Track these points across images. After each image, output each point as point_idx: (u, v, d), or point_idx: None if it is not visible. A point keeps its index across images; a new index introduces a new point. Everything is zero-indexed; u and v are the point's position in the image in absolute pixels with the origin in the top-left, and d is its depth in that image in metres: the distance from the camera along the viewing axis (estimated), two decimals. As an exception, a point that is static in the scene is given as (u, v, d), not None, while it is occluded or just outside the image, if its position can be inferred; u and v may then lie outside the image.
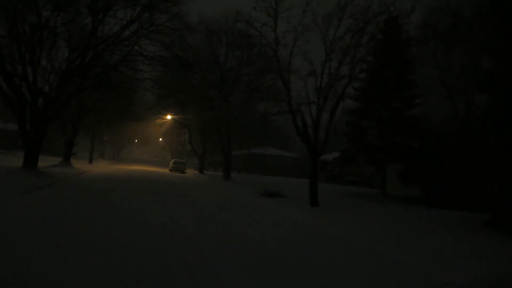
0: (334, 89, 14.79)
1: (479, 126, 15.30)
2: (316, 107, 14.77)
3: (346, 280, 5.18)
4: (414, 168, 17.91)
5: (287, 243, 7.24)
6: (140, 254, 5.42)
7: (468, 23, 20.11)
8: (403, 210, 14.80)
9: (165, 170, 39.91)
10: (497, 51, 12.92)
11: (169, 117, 38.59)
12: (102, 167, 34.72)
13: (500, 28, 12.24)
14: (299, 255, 6.34)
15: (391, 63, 19.36)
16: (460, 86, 22.52)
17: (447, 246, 8.29)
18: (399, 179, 18.91)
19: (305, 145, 15.37)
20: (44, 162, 21.99)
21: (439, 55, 22.42)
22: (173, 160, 43.86)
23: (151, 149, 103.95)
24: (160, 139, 70.22)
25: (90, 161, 40.20)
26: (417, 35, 20.11)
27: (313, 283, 4.91)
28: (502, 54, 12.27)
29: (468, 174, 15.46)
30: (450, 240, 9.04)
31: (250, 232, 8.16)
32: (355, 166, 30.07)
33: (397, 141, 19.64)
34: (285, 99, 16.16)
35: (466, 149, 15.71)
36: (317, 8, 14.56)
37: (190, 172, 39.05)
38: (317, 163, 15.09)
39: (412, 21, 17.07)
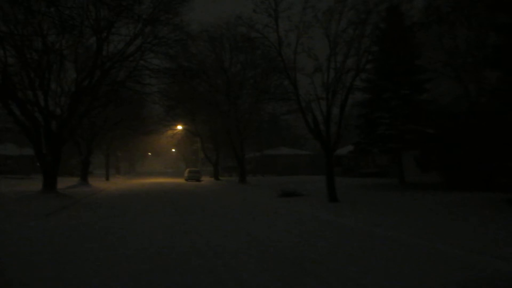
0: (342, 83, 14.72)
1: (491, 105, 15.05)
2: (325, 102, 14.71)
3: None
4: (431, 154, 17.68)
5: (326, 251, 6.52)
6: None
7: (471, 0, 19.79)
8: (427, 197, 14.40)
9: (181, 180, 40.14)
10: (502, 26, 12.72)
11: (179, 127, 38.87)
12: (119, 183, 35.11)
13: (502, 3, 12.07)
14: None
15: (397, 50, 19.18)
16: (468, 66, 22.15)
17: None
18: (417, 166, 18.70)
19: (318, 142, 15.30)
20: (62, 183, 22.35)
21: (444, 37, 22.11)
22: (188, 169, 44.10)
23: (164, 160, 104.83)
24: (173, 150, 70.67)
25: (107, 178, 40.66)
26: (420, 19, 19.89)
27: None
28: (508, 28, 12.08)
29: (485, 154, 15.20)
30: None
31: (276, 238, 8.12)
32: (369, 157, 29.88)
33: (410, 128, 19.43)
34: (293, 98, 16.13)
35: (480, 129, 15.45)
36: (317, 4, 14.54)
37: (206, 180, 39.21)
38: (332, 158, 15.00)
39: (415, 5, 16.87)
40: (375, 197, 15.55)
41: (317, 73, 14.95)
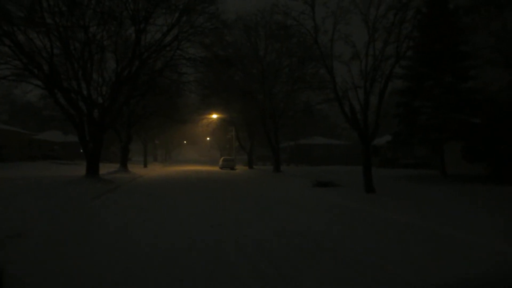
0: (381, 71, 14.23)
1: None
2: (363, 91, 14.30)
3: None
4: (478, 145, 16.79)
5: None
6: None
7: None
8: (476, 190, 13.58)
9: (216, 168, 40.79)
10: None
11: (214, 116, 39.34)
12: (156, 170, 36.18)
13: None
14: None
15: (440, 36, 18.28)
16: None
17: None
18: (463, 157, 17.84)
19: (356, 131, 14.94)
20: (103, 169, 23.29)
21: (492, 20, 20.76)
22: (222, 158, 44.70)
23: (199, 148, 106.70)
24: (208, 138, 71.83)
25: (145, 165, 41.99)
26: (466, 2, 18.81)
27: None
28: None
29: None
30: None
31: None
32: (408, 148, 28.90)
33: (454, 118, 18.55)
34: (330, 86, 15.82)
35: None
36: (355, -12, 14.04)
37: (240, 168, 39.58)
38: (369, 148, 14.62)
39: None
40: (415, 188, 15.01)
41: (354, 60, 14.55)
